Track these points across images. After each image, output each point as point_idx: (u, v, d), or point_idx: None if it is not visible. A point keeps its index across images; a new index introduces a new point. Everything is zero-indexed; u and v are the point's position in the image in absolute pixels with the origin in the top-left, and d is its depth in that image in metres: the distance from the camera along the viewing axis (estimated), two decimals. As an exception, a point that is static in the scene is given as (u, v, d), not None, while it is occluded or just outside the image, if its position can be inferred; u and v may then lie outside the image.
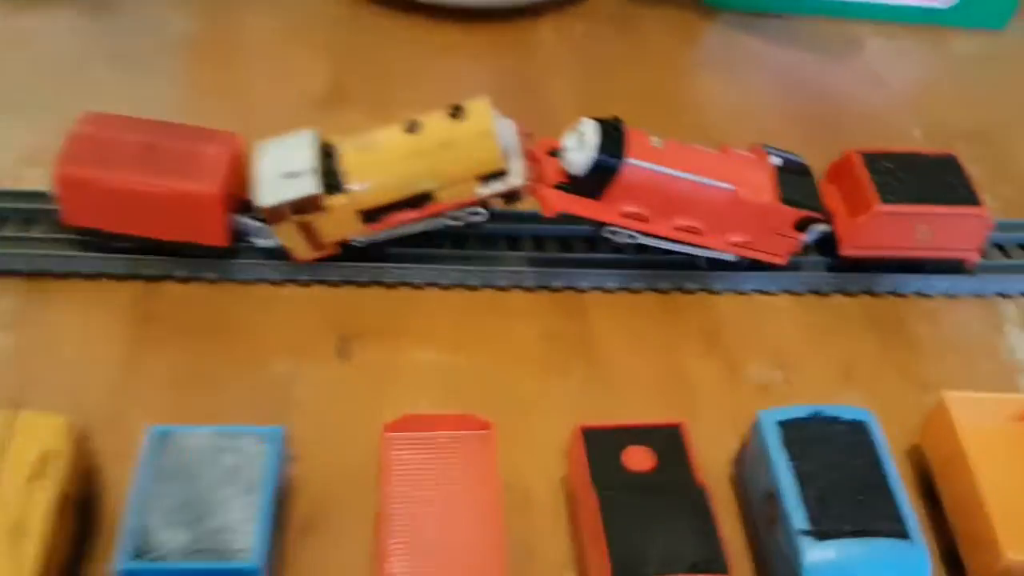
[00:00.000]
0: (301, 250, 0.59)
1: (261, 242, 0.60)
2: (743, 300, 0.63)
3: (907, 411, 0.57)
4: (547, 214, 0.58)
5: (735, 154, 0.61)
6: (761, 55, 0.84)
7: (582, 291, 0.63)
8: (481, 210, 0.59)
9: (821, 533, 0.45)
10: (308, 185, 0.56)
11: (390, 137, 0.57)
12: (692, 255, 0.62)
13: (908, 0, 0.87)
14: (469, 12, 0.84)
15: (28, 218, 0.62)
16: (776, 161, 0.61)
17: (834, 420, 0.49)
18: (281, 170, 0.57)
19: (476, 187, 0.58)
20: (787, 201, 0.59)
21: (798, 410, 0.49)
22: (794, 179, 0.61)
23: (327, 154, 0.58)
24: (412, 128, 0.57)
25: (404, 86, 0.77)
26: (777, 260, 0.62)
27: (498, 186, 0.58)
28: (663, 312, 0.62)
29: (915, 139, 0.78)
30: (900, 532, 0.45)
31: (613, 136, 0.57)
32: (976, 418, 0.51)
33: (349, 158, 0.57)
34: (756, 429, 0.49)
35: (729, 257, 0.61)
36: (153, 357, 0.57)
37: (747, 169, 0.60)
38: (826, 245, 0.63)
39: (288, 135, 0.60)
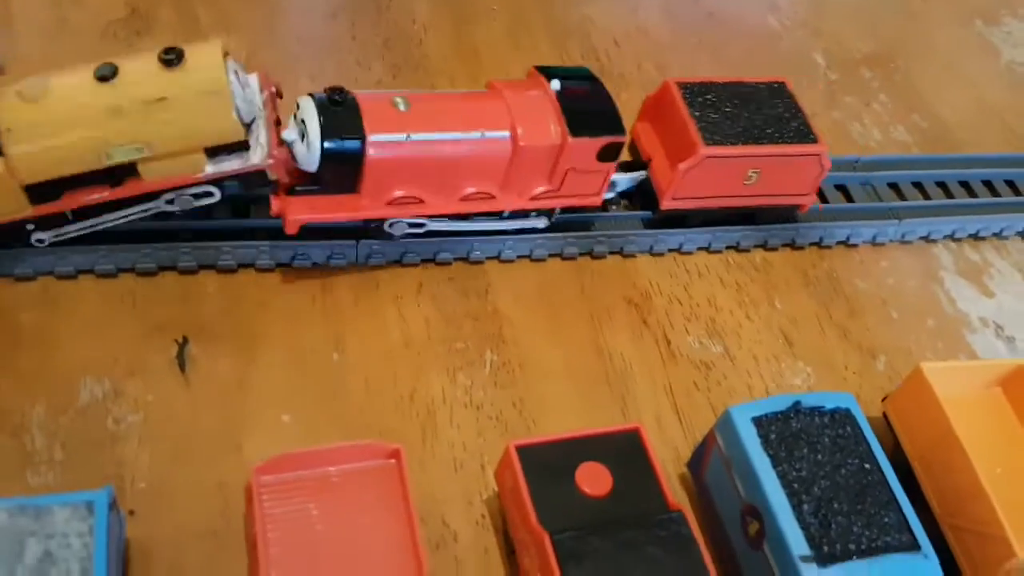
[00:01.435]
0: None
1: None
2: (664, 261, 0.54)
3: (860, 380, 0.50)
4: (288, 231, 0.45)
5: (504, 91, 0.48)
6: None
7: (478, 263, 0.52)
8: (212, 189, 0.44)
9: (826, 557, 0.36)
10: None
11: (74, 84, 0.41)
12: (496, 230, 0.50)
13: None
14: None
15: None
16: (555, 86, 0.48)
17: (816, 411, 0.41)
18: None
19: (201, 162, 0.43)
20: (577, 132, 0.47)
21: (774, 402, 0.40)
22: (582, 102, 0.49)
23: None
24: (106, 74, 0.40)
25: (218, 3, 0.62)
26: (591, 200, 0.51)
27: (233, 163, 0.43)
28: (576, 281, 0.52)
29: (818, 64, 0.70)
30: (911, 544, 0.37)
31: (340, 113, 0.44)
32: (957, 390, 0.44)
33: (11, 109, 0.40)
34: (726, 429, 0.40)
35: (539, 222, 0.50)
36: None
37: (521, 106, 0.47)
38: (644, 194, 0.54)
39: None
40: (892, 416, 0.46)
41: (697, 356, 0.50)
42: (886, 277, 0.56)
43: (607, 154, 0.48)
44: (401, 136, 0.45)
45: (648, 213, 0.53)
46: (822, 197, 0.58)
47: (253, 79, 0.46)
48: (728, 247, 0.55)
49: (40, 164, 0.41)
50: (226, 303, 0.47)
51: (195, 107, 0.41)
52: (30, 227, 0.43)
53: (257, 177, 0.44)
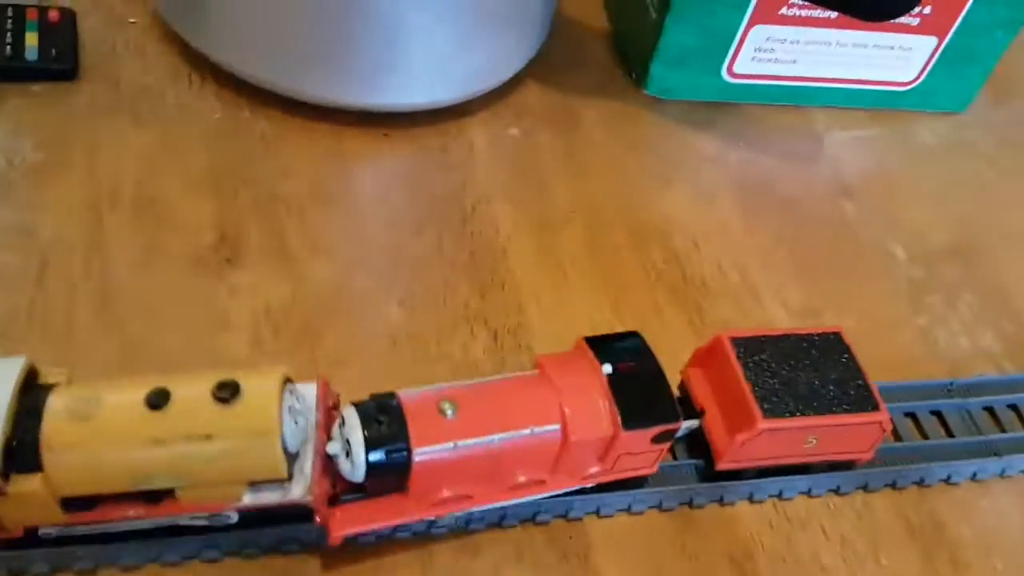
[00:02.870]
0: None
1: None
2: (764, 509, 0.53)
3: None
4: (332, 544, 0.44)
5: (553, 375, 0.47)
6: (717, 158, 0.74)
7: (576, 520, 0.51)
8: (232, 514, 0.43)
9: None
10: None
11: (122, 406, 0.40)
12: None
13: (865, 83, 0.79)
14: (384, 116, 0.69)
15: None
16: (607, 370, 0.47)
17: None
18: None
19: (240, 492, 0.42)
20: (630, 425, 0.46)
21: None
22: (635, 384, 0.47)
23: (30, 410, 0.40)
24: (156, 401, 0.40)
25: (305, 221, 0.62)
26: (646, 472, 0.50)
27: (269, 496, 0.42)
28: (677, 538, 0.51)
29: (899, 259, 0.69)
30: None
31: (386, 424, 0.43)
32: None
33: (57, 426, 0.40)
34: None
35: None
36: None
37: (572, 395, 0.47)
38: (695, 443, 0.53)
39: None
40: None
41: (808, 628, 0.49)
42: (987, 519, 0.55)
43: (662, 439, 0.48)
44: (449, 445, 0.44)
45: (701, 462, 0.53)
46: (919, 427, 0.57)
47: (311, 392, 0.45)
48: (829, 491, 0.54)
49: (78, 482, 0.40)
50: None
51: (239, 447, 0.41)
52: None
53: (296, 508, 0.43)
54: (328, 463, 0.44)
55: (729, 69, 0.75)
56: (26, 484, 0.39)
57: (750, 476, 0.53)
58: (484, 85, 0.71)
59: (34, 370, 0.42)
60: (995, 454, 0.56)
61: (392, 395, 0.45)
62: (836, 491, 0.54)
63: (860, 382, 0.51)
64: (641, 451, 0.48)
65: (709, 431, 0.51)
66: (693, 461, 0.53)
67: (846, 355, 0.52)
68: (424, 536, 0.49)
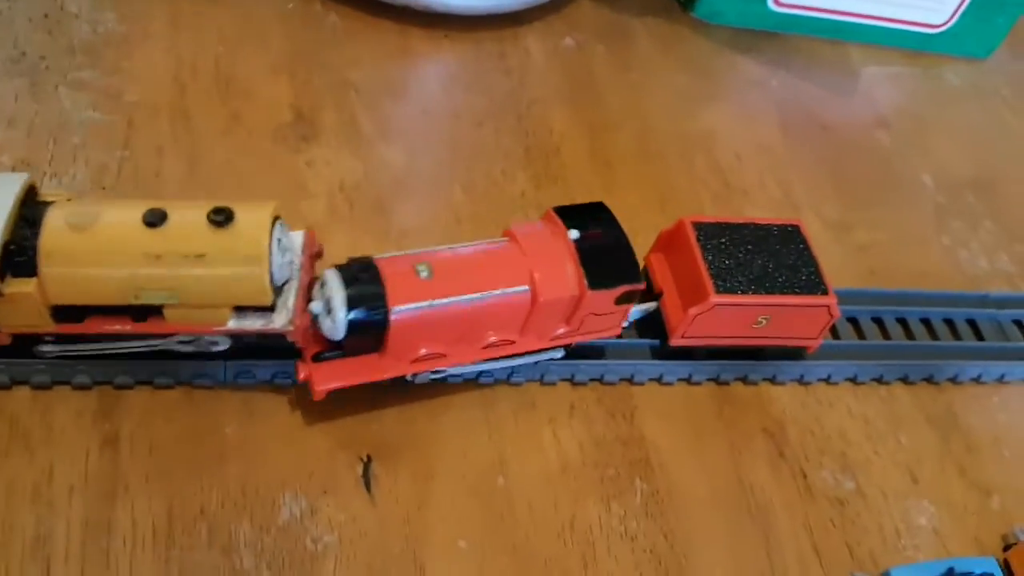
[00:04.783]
0: None
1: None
2: (804, 392, 0.57)
3: (978, 520, 0.54)
4: (316, 399, 0.46)
5: (522, 241, 0.49)
6: (760, 82, 0.77)
7: (633, 384, 0.55)
8: (221, 339, 0.46)
9: None
10: None
11: (120, 222, 0.42)
12: (515, 366, 0.52)
13: (899, 22, 0.82)
14: (444, 18, 0.72)
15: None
16: (573, 235, 0.49)
17: (964, 576, 0.44)
18: None
19: (226, 316, 0.44)
20: (596, 284, 0.48)
21: (930, 568, 0.44)
22: (600, 249, 0.50)
23: (30, 220, 0.41)
24: (153, 220, 0.41)
25: (375, 109, 0.65)
26: (609, 334, 0.53)
27: (255, 322, 0.45)
28: (715, 407, 0.55)
29: (927, 187, 0.73)
30: None
31: (365, 285, 0.45)
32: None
33: (55, 235, 0.41)
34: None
35: (556, 353, 0.52)
36: (128, 509, 0.44)
37: (540, 258, 0.49)
38: (653, 323, 0.55)
39: None
40: (1016, 567, 0.50)
41: (832, 492, 0.53)
42: (1005, 416, 0.60)
43: (625, 299, 0.50)
44: (424, 304, 0.46)
45: (656, 342, 0.55)
46: (953, 330, 0.62)
47: (298, 238, 0.47)
48: (871, 379, 0.59)
49: (69, 290, 0.42)
50: (402, 419, 0.51)
51: (229, 270, 0.42)
52: (47, 339, 0.45)
53: (276, 338, 0.46)
54: (305, 315, 0.46)
55: (775, -2, 0.79)
56: (21, 287, 0.41)
57: (701, 356, 0.55)
58: (543, -4, 0.75)
59: (35, 187, 0.44)
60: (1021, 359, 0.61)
61: (369, 259, 0.46)
62: (858, 381, 0.58)
63: (812, 269, 0.53)
64: (606, 312, 0.50)
65: (665, 310, 0.54)
66: (648, 340, 0.55)
67: (803, 244, 0.54)
68: (484, 385, 0.53)
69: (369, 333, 0.46)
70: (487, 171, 0.64)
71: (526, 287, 0.48)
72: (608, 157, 0.68)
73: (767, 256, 0.53)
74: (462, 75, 0.71)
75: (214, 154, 0.59)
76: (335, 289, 0.45)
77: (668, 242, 0.56)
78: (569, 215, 0.50)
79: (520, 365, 0.52)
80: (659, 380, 0.55)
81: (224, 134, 0.61)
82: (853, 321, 0.61)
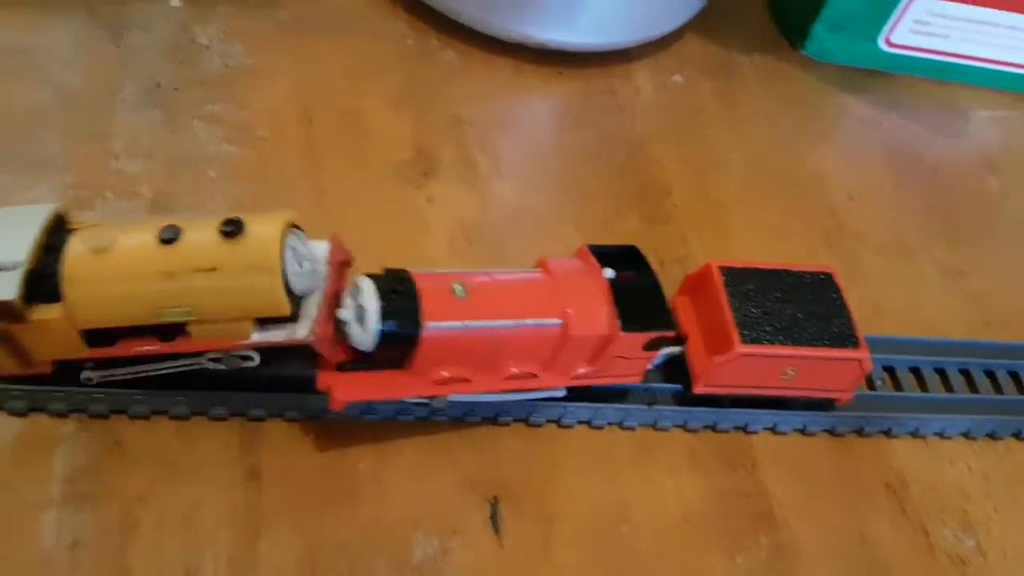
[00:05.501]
0: (2, 361, 0.45)
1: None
2: (922, 446, 0.57)
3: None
4: (334, 407, 0.45)
5: (559, 273, 0.49)
6: (870, 122, 0.77)
7: (747, 432, 0.55)
8: (252, 354, 0.46)
9: None
10: (2, 288, 0.41)
11: (136, 243, 0.42)
12: (532, 400, 0.51)
13: (1009, 64, 0.81)
14: (557, 55, 0.73)
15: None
16: (609, 274, 0.49)
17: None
18: None
19: (248, 329, 0.44)
20: (629, 327, 0.48)
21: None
22: (634, 292, 0.49)
23: (54, 247, 0.43)
24: (168, 236, 0.42)
25: (489, 144, 0.66)
26: (631, 380, 0.52)
27: (277, 334, 0.44)
28: (834, 460, 0.55)
29: (1040, 237, 0.72)
30: None
31: (400, 298, 0.44)
32: None
33: (76, 259, 0.42)
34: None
35: (558, 392, 0.51)
36: (272, 543, 0.46)
37: (575, 293, 0.48)
38: (676, 370, 0.54)
39: (19, 208, 0.45)
40: None
41: (953, 550, 0.53)
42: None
43: (654, 345, 0.50)
44: (457, 324, 0.45)
45: (679, 387, 0.54)
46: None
47: (321, 248, 0.47)
48: (986, 435, 0.58)
49: (95, 313, 0.43)
50: (523, 460, 0.51)
51: (244, 281, 0.42)
52: (88, 365, 0.46)
53: (301, 349, 0.45)
54: (327, 325, 0.45)
55: (886, 38, 0.78)
56: (46, 313, 0.42)
57: (726, 404, 0.54)
58: (653, 32, 0.75)
59: (63, 217, 0.45)
60: None
61: (405, 272, 0.46)
62: (972, 435, 0.58)
63: (844, 320, 0.52)
64: (632, 356, 0.50)
65: (690, 356, 0.53)
66: (671, 385, 0.54)
67: (835, 293, 0.53)
68: (604, 429, 0.53)
69: (399, 347, 0.45)
70: (601, 209, 0.65)
71: (559, 321, 0.47)
72: (719, 196, 0.68)
73: (797, 305, 0.52)
74: (574, 111, 0.72)
75: (340, 189, 0.61)
76: (369, 298, 0.44)
77: (694, 286, 0.55)
78: (603, 253, 0.50)
79: (529, 400, 0.51)
80: (773, 429, 0.55)
81: (349, 169, 0.62)
82: (966, 373, 0.61)
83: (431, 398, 0.48)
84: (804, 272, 0.54)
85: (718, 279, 0.53)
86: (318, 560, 0.45)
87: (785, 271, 0.54)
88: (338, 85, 0.67)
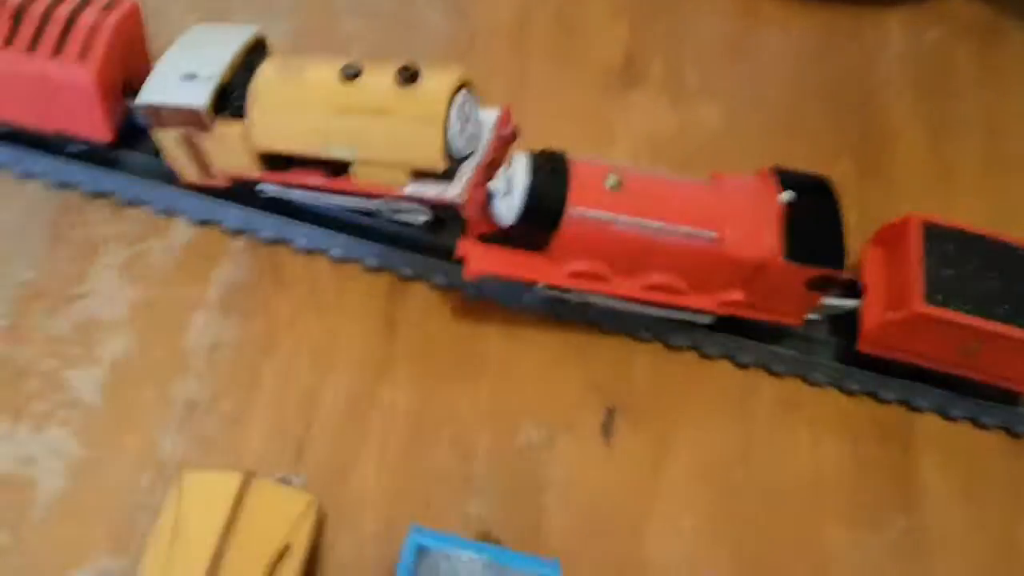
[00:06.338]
0: (185, 170, 0.48)
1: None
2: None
3: None
4: (466, 276, 0.44)
5: (727, 188, 0.45)
6: None
7: (914, 410, 0.50)
8: (420, 209, 0.46)
9: None
10: (194, 95, 0.43)
11: (320, 76, 0.44)
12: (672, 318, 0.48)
13: None
14: (803, -16, 0.68)
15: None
16: (785, 197, 0.44)
17: None
18: (184, 67, 0.44)
19: (404, 180, 0.44)
20: (793, 256, 0.43)
21: None
22: (809, 223, 0.44)
23: (248, 67, 0.45)
24: (349, 75, 0.43)
25: (705, 65, 0.63)
26: (789, 321, 0.47)
27: (428, 190, 0.44)
28: (1008, 464, 0.49)
29: None
30: None
31: (551, 177, 0.43)
32: None
33: (264, 81, 0.44)
34: None
35: (704, 318, 0.48)
36: (391, 390, 0.47)
37: (740, 209, 0.44)
38: (846, 325, 0.48)
39: (226, 25, 0.47)
40: None
41: None
42: None
43: (816, 284, 0.44)
44: (603, 215, 0.43)
45: (843, 342, 0.49)
46: None
47: (490, 116, 0.46)
48: None
49: (271, 135, 0.44)
50: (655, 380, 0.50)
51: (407, 129, 0.42)
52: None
53: (449, 209, 0.45)
54: (479, 190, 0.45)
55: None
56: (230, 127, 0.44)
57: (898, 374, 0.48)
58: (916, -22, 0.68)
59: (264, 42, 0.47)
60: None
61: (563, 154, 0.44)
62: None
63: None
64: (791, 292, 0.45)
65: (864, 310, 0.47)
66: (834, 338, 0.49)
67: None
68: (750, 368, 0.50)
69: (539, 226, 0.44)
70: (810, 148, 0.60)
71: (714, 233, 0.44)
72: (949, 162, 0.61)
73: (1002, 278, 0.46)
74: (808, 45, 0.66)
75: (539, 84, 0.60)
76: (519, 172, 0.43)
77: (890, 237, 0.49)
78: (788, 179, 0.45)
79: (670, 320, 0.48)
80: (941, 412, 0.50)
81: (553, 63, 0.61)
82: None
83: (566, 291, 0.47)
84: (1014, 245, 0.47)
85: (917, 233, 0.48)
86: (426, 418, 0.46)
87: (998, 241, 0.48)
88: (565, -17, 0.66)
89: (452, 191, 0.44)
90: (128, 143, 0.50)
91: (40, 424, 0.44)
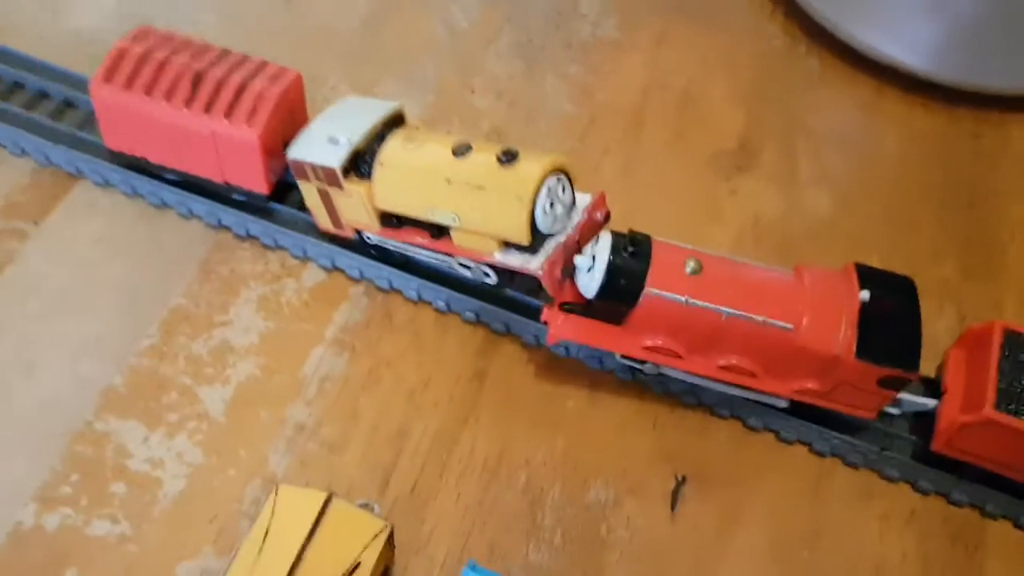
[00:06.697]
0: (320, 218, 0.55)
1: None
2: None
3: None
4: (548, 341, 0.49)
5: (807, 280, 0.47)
6: None
7: (986, 516, 0.50)
8: (491, 272, 0.51)
9: None
10: (332, 156, 0.50)
11: (435, 150, 0.49)
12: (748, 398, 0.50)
13: None
14: (926, 86, 0.69)
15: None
16: (864, 296, 0.46)
17: None
18: (329, 131, 0.51)
19: (494, 248, 0.49)
20: (867, 354, 0.44)
21: None
22: (887, 322, 0.46)
23: (382, 137, 0.51)
24: (460, 151, 0.49)
25: (819, 155, 0.65)
26: (862, 414, 0.48)
27: (513, 260, 0.49)
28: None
29: None
30: None
31: (632, 258, 0.46)
32: None
33: (391, 150, 0.50)
34: None
35: (780, 402, 0.49)
36: (473, 433, 0.51)
37: (817, 303, 0.46)
38: (926, 421, 0.49)
39: (374, 100, 0.54)
40: None
41: None
42: None
43: (889, 383, 0.46)
44: (680, 298, 0.46)
45: (919, 441, 0.50)
46: None
47: (583, 199, 0.50)
48: None
49: (388, 197, 0.50)
50: (730, 454, 0.51)
51: (499, 204, 0.47)
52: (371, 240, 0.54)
53: (529, 279, 0.49)
54: (556, 264, 0.48)
55: None
56: (358, 186, 0.50)
57: (970, 477, 0.49)
58: (1047, 83, 0.68)
59: (402, 115, 0.53)
60: None
61: (647, 236, 0.48)
62: None
63: None
64: (864, 388, 0.46)
65: (941, 412, 0.49)
66: (910, 437, 0.51)
67: None
68: (822, 455, 0.51)
69: (618, 302, 0.47)
70: (915, 246, 0.61)
71: (790, 325, 0.46)
72: (1062, 271, 0.61)
73: None
74: (925, 145, 0.67)
75: (649, 163, 0.64)
76: (603, 250, 0.47)
77: (972, 341, 0.50)
78: (872, 276, 0.48)
79: (745, 399, 0.51)
80: (1015, 521, 0.49)
81: (665, 145, 0.65)
82: None
83: (642, 363, 0.50)
84: None
85: (997, 339, 0.48)
86: (504, 464, 0.50)
87: None
88: (689, 68, 0.70)
89: (534, 263, 0.49)
90: (278, 196, 0.57)
91: (172, 432, 0.50)
